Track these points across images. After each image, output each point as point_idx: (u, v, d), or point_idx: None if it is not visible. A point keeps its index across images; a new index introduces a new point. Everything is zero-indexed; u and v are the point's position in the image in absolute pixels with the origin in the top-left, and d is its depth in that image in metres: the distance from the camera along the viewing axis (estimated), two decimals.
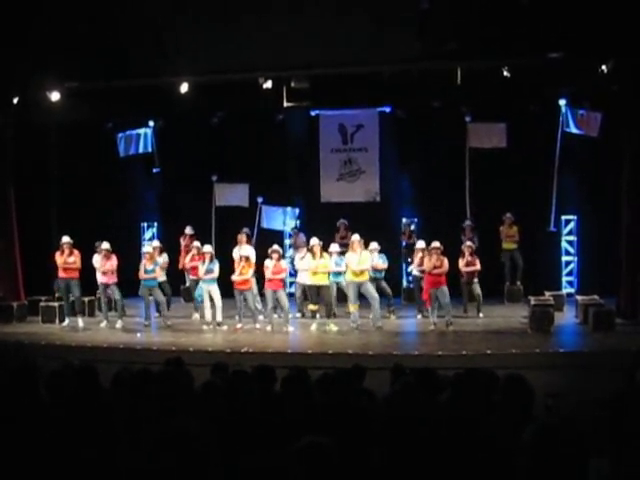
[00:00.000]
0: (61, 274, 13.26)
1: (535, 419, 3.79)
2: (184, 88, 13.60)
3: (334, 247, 12.88)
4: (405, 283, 15.80)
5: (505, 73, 12.76)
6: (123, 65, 12.58)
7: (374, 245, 13.05)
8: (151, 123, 15.84)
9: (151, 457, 3.07)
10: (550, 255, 15.31)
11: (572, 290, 15.01)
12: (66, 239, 13.14)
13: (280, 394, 4.97)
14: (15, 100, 14.05)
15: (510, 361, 9.44)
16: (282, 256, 12.97)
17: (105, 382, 5.06)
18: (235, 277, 12.56)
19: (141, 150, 15.77)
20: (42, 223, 15.63)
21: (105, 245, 13.22)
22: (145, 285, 13.14)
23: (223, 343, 11.69)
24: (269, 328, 12.51)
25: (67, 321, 13.49)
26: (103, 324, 13.34)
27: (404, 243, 15.31)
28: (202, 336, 12.39)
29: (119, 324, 13.20)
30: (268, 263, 12.43)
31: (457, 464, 3.56)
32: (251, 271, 12.69)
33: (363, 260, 12.40)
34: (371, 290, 12.42)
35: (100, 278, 13.31)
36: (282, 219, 16.25)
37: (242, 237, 13.51)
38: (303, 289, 13.62)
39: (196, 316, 13.82)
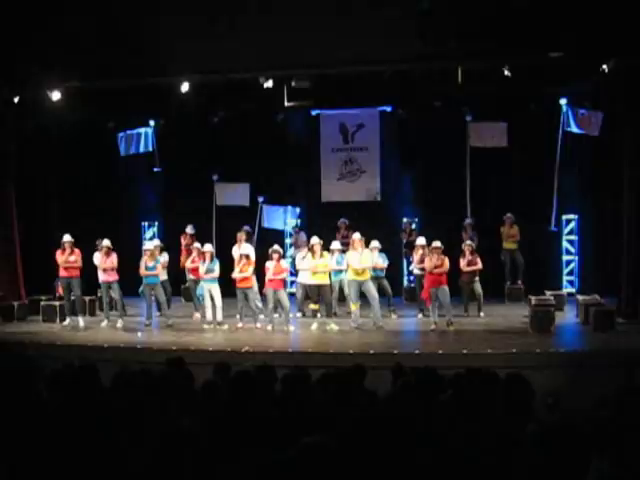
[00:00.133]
0: (62, 273, 13.26)
1: (536, 418, 3.79)
2: (185, 87, 13.59)
3: (335, 244, 12.88)
4: (406, 282, 15.80)
5: (506, 72, 12.74)
6: (124, 64, 12.59)
7: (375, 244, 13.05)
8: (152, 122, 15.82)
9: (151, 456, 3.07)
10: (551, 255, 15.30)
11: (573, 290, 15.01)
12: (67, 238, 13.15)
13: (281, 393, 4.97)
14: (16, 99, 14.05)
15: (511, 361, 9.44)
16: (282, 256, 12.97)
17: (106, 381, 5.06)
18: (235, 274, 12.56)
19: (142, 149, 15.76)
20: (43, 223, 15.65)
21: (106, 242, 13.24)
22: (147, 283, 13.15)
23: (224, 342, 11.69)
24: (270, 327, 12.51)
25: (68, 320, 13.49)
26: (104, 323, 13.35)
27: (404, 241, 15.30)
28: (203, 335, 12.39)
29: (120, 323, 13.21)
30: (269, 264, 12.43)
31: (457, 463, 3.56)
32: (251, 269, 12.69)
33: (364, 259, 12.40)
34: (372, 290, 12.41)
35: (101, 276, 13.32)
36: (283, 219, 16.27)
37: (241, 236, 13.58)
38: (304, 288, 13.62)
39: (197, 315, 13.84)
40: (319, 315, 12.93)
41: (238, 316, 12.95)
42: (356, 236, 12.56)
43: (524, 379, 4.38)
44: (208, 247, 13.04)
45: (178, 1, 12.24)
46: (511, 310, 13.87)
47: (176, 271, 15.00)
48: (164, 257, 14.04)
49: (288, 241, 16.14)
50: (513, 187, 14.70)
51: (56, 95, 13.72)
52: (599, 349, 10.48)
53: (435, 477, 3.53)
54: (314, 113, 16.14)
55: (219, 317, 12.76)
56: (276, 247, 12.69)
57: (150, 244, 13.89)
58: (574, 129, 13.88)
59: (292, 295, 14.67)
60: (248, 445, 3.82)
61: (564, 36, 11.48)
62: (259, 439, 3.91)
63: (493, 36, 11.54)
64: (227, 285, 12.91)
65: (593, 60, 12.31)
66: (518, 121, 14.41)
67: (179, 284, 15.58)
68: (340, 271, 12.86)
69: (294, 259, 14.31)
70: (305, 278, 13.20)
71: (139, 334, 12.63)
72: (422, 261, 12.95)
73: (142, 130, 15.76)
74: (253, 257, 12.91)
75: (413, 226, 15.47)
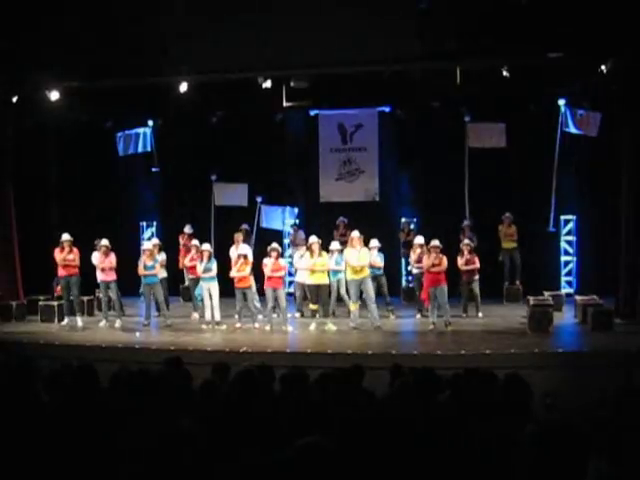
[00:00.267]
0: (60, 272, 13.24)
1: (534, 419, 3.79)
2: (183, 87, 13.58)
3: (335, 245, 12.88)
4: (404, 282, 15.81)
5: (504, 73, 12.74)
6: (122, 64, 12.58)
7: (374, 242, 13.03)
8: (150, 122, 15.84)
9: (149, 456, 3.07)
10: (549, 255, 15.31)
11: (571, 290, 15.02)
12: (66, 237, 13.13)
13: (279, 393, 4.97)
14: (14, 99, 14.04)
15: (509, 361, 9.44)
16: (281, 254, 12.97)
17: (104, 381, 5.06)
18: (233, 273, 12.56)
19: (140, 149, 15.77)
20: (41, 223, 15.64)
21: (104, 242, 13.23)
22: (146, 282, 13.14)
23: (222, 343, 11.69)
24: (268, 327, 12.51)
25: (66, 320, 13.48)
26: (102, 323, 13.34)
27: (403, 241, 15.30)
28: (201, 336, 12.38)
29: (118, 323, 13.20)
30: (267, 261, 12.44)
31: (455, 463, 3.56)
32: (249, 268, 12.69)
33: (362, 256, 12.40)
34: (370, 290, 12.40)
35: (99, 276, 13.31)
36: (281, 219, 16.26)
37: (239, 236, 13.63)
38: (303, 288, 13.62)
39: (195, 315, 13.83)
40: (318, 315, 12.93)
41: (236, 316, 12.95)
42: (355, 234, 12.56)
43: (522, 379, 4.38)
44: (206, 246, 13.04)
45: (177, 1, 12.23)
46: (509, 310, 13.88)
47: (174, 271, 15.00)
48: (162, 256, 14.03)
49: (286, 241, 16.14)
50: (511, 187, 14.70)
51: (55, 95, 13.71)
52: (597, 349, 10.48)
53: (434, 478, 3.53)
54: (313, 113, 16.15)
55: (217, 316, 12.76)
56: (275, 245, 12.68)
57: (149, 243, 13.89)
58: (572, 130, 13.90)
59: (291, 295, 14.68)
60: (246, 445, 3.82)
61: (562, 36, 11.48)
62: (257, 439, 3.91)
63: (492, 36, 11.54)
64: (225, 285, 12.91)
65: (591, 61, 12.33)
66: (517, 121, 14.42)
67: (178, 284, 15.58)
68: (339, 271, 12.86)
69: (292, 258, 14.32)
70: (303, 278, 13.20)
71: (137, 334, 12.63)
72: (420, 260, 12.95)
73: (141, 130, 15.77)
74: (251, 257, 12.91)
75: (411, 226, 15.48)
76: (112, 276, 13.22)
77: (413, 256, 13.51)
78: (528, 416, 4.04)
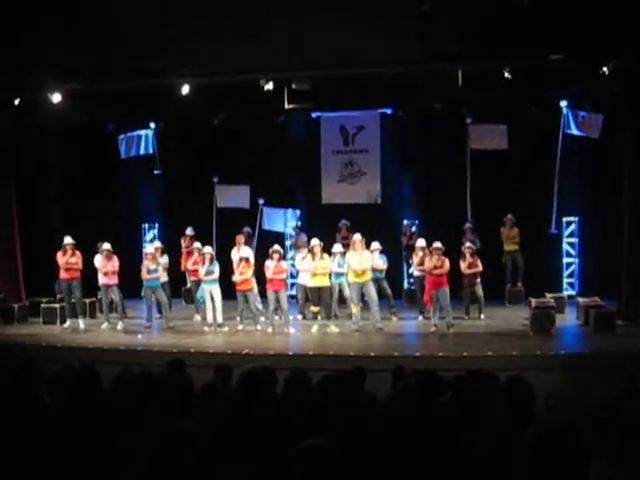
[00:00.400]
0: (63, 275, 13.25)
1: (536, 421, 3.79)
2: (185, 90, 13.59)
3: (337, 247, 12.87)
4: (406, 285, 15.80)
5: (506, 75, 12.74)
6: (124, 66, 12.60)
7: (376, 245, 13.02)
8: (152, 125, 15.86)
9: (151, 458, 3.07)
10: (551, 257, 15.29)
11: (573, 292, 15.00)
12: (68, 240, 13.14)
13: (281, 396, 4.97)
14: (16, 101, 14.06)
15: (511, 363, 9.45)
16: (283, 257, 12.97)
17: (106, 384, 5.06)
18: (236, 277, 12.57)
19: (142, 152, 15.79)
20: (43, 225, 15.65)
21: (106, 246, 13.22)
22: (148, 285, 13.15)
23: (224, 345, 11.69)
24: (270, 330, 12.51)
25: (68, 322, 13.48)
26: (104, 325, 13.34)
27: (405, 244, 15.29)
28: (203, 338, 12.38)
29: (120, 326, 13.20)
30: (269, 263, 12.44)
31: (457, 465, 3.55)
32: (250, 271, 12.69)
33: (364, 260, 12.40)
34: (372, 292, 12.41)
35: (101, 279, 13.31)
36: (283, 221, 16.26)
37: (240, 238, 13.63)
38: (304, 290, 13.62)
39: (197, 318, 13.83)
40: (319, 317, 12.93)
41: (238, 318, 12.94)
42: (357, 237, 12.56)
43: (524, 381, 4.37)
44: (208, 249, 13.04)
45: (178, 3, 12.25)
46: (511, 312, 13.87)
47: (176, 273, 15.00)
48: (164, 259, 14.04)
49: (288, 243, 16.14)
50: (513, 189, 14.68)
51: (57, 97, 13.73)
52: (599, 351, 10.47)
53: (436, 478, 3.52)
54: (314, 115, 16.14)
55: (219, 319, 12.76)
56: (276, 247, 12.68)
57: (151, 247, 13.89)
58: (574, 131, 13.90)
59: (293, 297, 14.67)
60: (248, 447, 3.82)
61: (564, 38, 11.49)
62: (259, 441, 3.91)
63: (493, 38, 11.55)
64: (227, 287, 12.92)
65: (593, 62, 12.33)
66: (518, 123, 14.41)
67: (179, 286, 15.58)
68: (341, 274, 12.85)
69: (294, 261, 14.32)
70: (305, 280, 13.19)
71: (139, 336, 12.63)
72: (422, 263, 12.93)
73: (142, 132, 15.79)
74: (252, 260, 12.91)
75: (413, 229, 15.46)
76: (114, 280, 13.20)
77: (415, 259, 13.50)
78: (530, 418, 4.03)
